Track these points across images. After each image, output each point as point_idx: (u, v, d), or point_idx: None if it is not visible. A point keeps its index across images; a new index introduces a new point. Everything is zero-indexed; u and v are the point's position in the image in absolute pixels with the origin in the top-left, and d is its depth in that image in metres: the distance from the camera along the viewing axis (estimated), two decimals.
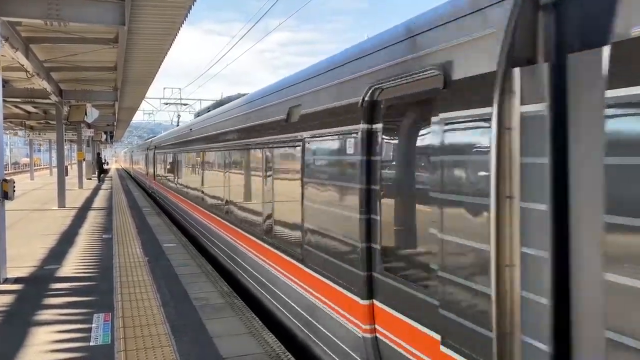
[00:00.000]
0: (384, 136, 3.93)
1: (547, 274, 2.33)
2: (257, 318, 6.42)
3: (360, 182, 4.07)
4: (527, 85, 2.43)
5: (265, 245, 6.75)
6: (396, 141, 3.87)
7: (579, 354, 2.23)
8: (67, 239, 12.28)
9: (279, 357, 5.17)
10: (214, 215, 10.39)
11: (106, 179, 41.57)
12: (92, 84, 19.93)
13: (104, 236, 12.74)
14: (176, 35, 12.11)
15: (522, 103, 2.45)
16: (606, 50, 2.02)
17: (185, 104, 30.71)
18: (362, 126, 4.03)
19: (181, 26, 11.37)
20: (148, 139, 38.95)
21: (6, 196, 8.24)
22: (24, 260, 9.89)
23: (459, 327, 2.94)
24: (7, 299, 7.35)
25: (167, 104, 29.37)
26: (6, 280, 8.33)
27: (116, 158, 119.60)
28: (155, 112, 55.28)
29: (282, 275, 6.09)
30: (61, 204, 19.62)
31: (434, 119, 3.13)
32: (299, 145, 5.46)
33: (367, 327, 4.11)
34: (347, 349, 4.42)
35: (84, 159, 31.00)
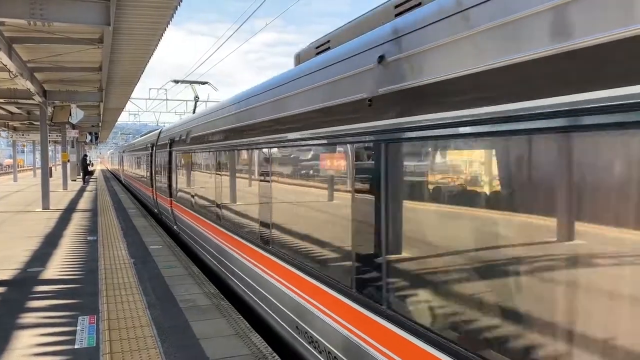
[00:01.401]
0: None
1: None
2: (243, 319, 6.40)
3: None
4: None
5: None
6: None
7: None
8: (51, 241, 12.14)
9: (266, 358, 5.16)
10: None
11: (91, 180, 41.19)
12: (76, 85, 19.73)
13: (89, 238, 12.62)
14: (162, 35, 12.05)
15: None
16: None
17: (204, 83, 19.71)
18: None
19: (167, 26, 11.32)
20: (149, 132, 26.36)
21: None
22: (7, 262, 9.76)
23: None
24: None
25: (176, 81, 20.49)
26: None
27: (101, 159, 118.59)
28: (141, 113, 54.99)
29: None
30: (45, 205, 19.39)
31: None
32: None
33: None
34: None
35: (68, 160, 30.68)
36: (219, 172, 8.76)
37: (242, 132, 7.17)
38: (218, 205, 8.88)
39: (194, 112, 19.19)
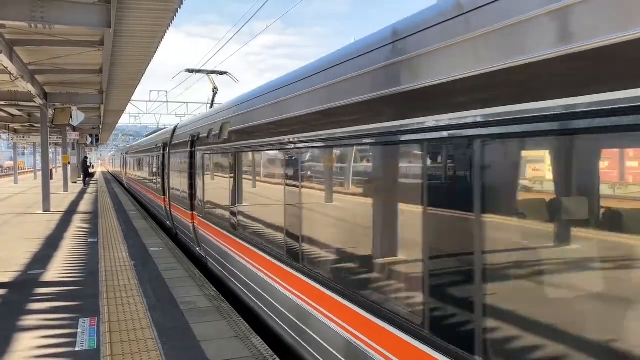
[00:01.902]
0: None
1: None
2: (244, 321, 6.41)
3: None
4: None
5: None
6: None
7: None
8: (52, 243, 12.15)
9: None
10: None
11: (92, 182, 41.21)
12: (77, 87, 19.77)
13: (89, 240, 12.63)
14: (162, 38, 12.08)
15: None
16: None
17: (222, 73, 16.43)
18: None
19: (167, 29, 11.35)
20: (156, 131, 23.99)
21: None
22: (7, 265, 9.77)
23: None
24: None
25: (191, 71, 16.68)
26: None
27: (102, 161, 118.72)
28: (142, 115, 55.07)
29: None
30: (46, 207, 19.41)
31: None
32: None
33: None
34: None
35: (69, 163, 30.71)
36: (293, 182, 5.48)
37: (366, 113, 3.94)
38: (295, 237, 5.38)
39: (211, 105, 15.80)
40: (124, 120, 61.65)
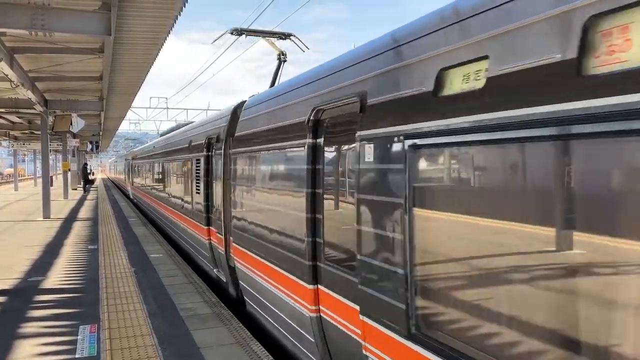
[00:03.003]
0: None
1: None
2: (244, 328, 6.41)
3: None
4: None
5: None
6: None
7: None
8: (52, 250, 12.14)
9: None
10: None
11: (92, 189, 41.21)
12: (77, 94, 19.81)
13: (89, 247, 12.63)
14: (162, 45, 12.12)
15: None
16: None
17: (286, 36, 10.13)
18: None
19: (167, 36, 11.39)
20: (177, 126, 18.34)
21: None
22: (7, 272, 9.76)
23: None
24: None
25: (239, 32, 9.72)
26: None
27: (102, 168, 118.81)
28: (142, 122, 55.14)
29: None
30: (46, 214, 19.41)
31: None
32: None
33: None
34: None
35: (69, 169, 30.74)
36: None
37: None
38: None
39: (272, 84, 9.30)
40: (124, 127, 61.74)
